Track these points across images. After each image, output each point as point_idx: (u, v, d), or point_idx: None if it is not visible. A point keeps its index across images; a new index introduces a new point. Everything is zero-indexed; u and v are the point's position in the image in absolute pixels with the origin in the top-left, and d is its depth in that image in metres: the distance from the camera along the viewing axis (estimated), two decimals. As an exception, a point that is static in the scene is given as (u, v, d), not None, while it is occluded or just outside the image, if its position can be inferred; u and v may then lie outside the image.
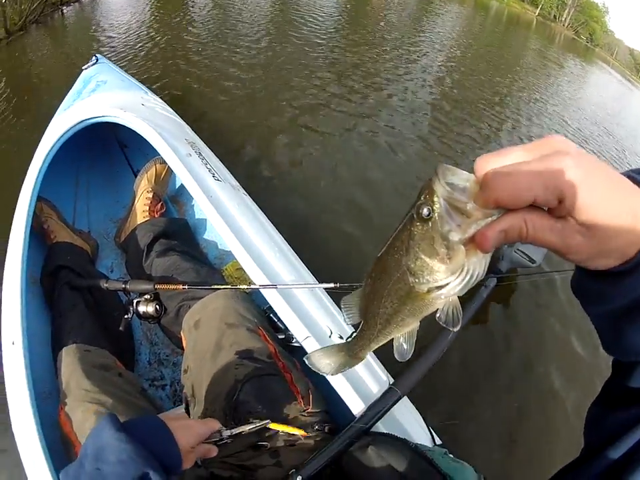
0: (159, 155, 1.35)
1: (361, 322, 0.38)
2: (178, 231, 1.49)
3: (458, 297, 0.31)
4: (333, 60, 5.01)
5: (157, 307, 1.19)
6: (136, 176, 1.82)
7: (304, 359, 0.43)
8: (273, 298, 1.02)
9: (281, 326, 1.16)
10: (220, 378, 0.94)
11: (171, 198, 1.79)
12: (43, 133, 1.50)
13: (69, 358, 1.02)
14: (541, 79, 7.73)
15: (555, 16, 26.55)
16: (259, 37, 5.27)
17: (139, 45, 5.36)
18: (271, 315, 1.18)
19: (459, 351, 1.90)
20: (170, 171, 1.61)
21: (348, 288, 1.08)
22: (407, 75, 5.25)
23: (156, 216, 1.49)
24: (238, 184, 1.52)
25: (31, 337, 0.99)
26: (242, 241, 1.11)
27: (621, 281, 0.30)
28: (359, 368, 0.98)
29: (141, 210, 1.49)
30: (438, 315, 0.32)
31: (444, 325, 0.32)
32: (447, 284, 0.30)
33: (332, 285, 1.00)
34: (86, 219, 1.70)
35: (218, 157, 1.61)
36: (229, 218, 1.17)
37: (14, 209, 1.27)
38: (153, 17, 7.27)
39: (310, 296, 1.08)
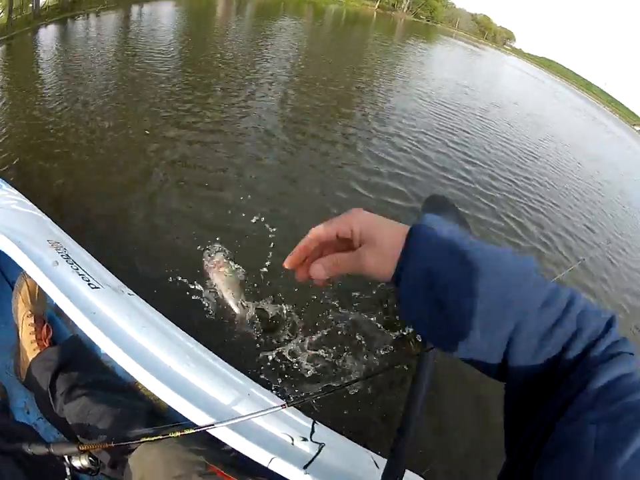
0: None
1: None
2: (74, 356, 1.28)
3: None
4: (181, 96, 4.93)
5: (91, 459, 1.00)
6: (12, 287, 1.53)
7: None
8: (218, 433, 0.87)
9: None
10: None
11: (55, 310, 1.50)
12: None
13: None
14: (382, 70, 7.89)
15: (393, 4, 26.73)
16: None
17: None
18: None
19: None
20: None
21: (297, 404, 0.95)
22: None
23: (45, 344, 1.27)
24: (120, 282, 1.29)
25: None
26: (148, 366, 0.95)
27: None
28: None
29: (28, 342, 1.25)
30: None
31: None
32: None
33: (281, 405, 0.84)
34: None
35: (88, 252, 1.36)
36: (123, 339, 1.00)
37: None
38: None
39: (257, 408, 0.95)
